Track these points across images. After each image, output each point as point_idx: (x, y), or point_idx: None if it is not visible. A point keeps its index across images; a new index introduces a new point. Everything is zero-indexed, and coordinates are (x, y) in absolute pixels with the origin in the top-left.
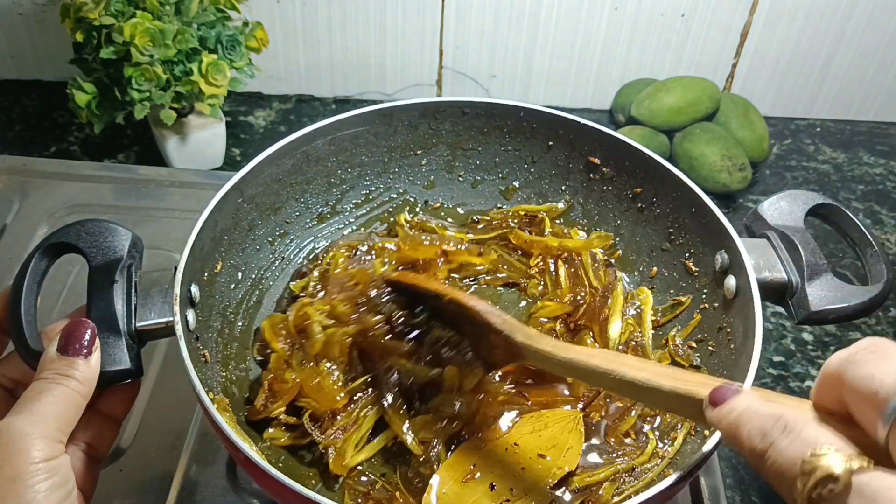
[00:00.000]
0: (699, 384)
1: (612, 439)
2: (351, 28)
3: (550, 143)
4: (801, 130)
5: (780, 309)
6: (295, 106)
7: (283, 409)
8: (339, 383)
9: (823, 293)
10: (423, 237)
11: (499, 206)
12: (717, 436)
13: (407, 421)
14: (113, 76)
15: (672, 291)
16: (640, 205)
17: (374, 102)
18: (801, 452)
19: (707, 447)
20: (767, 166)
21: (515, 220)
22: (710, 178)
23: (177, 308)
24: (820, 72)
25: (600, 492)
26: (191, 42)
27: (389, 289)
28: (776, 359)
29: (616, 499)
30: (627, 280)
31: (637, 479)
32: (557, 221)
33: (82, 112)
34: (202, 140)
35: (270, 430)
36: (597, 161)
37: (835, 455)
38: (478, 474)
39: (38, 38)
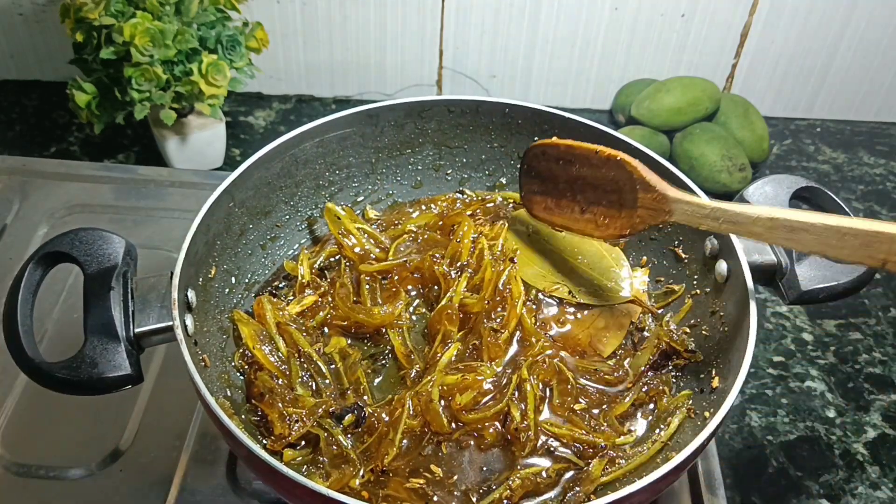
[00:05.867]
0: (858, 221)
1: (605, 422)
2: (351, 28)
3: (536, 138)
4: (801, 130)
5: (780, 309)
6: (295, 106)
7: (307, 429)
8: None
9: (813, 273)
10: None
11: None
12: (715, 420)
13: None
14: (113, 76)
15: (663, 279)
16: None
17: (375, 103)
18: None
19: (706, 431)
20: (767, 166)
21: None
22: (710, 179)
23: (176, 313)
24: (820, 72)
25: (590, 468)
26: (191, 42)
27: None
28: (776, 359)
29: (604, 478)
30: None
31: (628, 459)
32: None
33: (82, 112)
34: (202, 140)
35: (289, 452)
36: None
37: None
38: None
39: (38, 38)
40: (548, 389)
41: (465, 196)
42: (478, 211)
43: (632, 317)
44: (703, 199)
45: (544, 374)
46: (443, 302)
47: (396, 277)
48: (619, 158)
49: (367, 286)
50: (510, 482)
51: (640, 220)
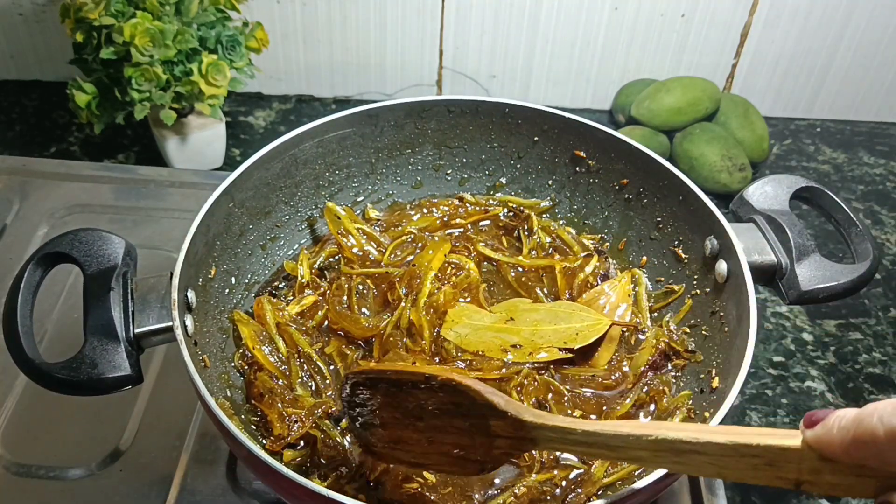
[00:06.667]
0: (757, 434)
1: None
2: (351, 28)
3: (536, 138)
4: (801, 130)
5: (780, 309)
6: (295, 106)
7: (307, 429)
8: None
9: (812, 273)
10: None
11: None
12: (715, 420)
13: None
14: (113, 76)
15: (662, 279)
16: (626, 196)
17: (375, 103)
18: None
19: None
20: (767, 166)
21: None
22: (710, 179)
23: (175, 313)
24: (820, 72)
25: (592, 469)
26: (191, 42)
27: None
28: (776, 359)
29: (606, 479)
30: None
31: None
32: (545, 216)
33: (82, 112)
34: (202, 140)
35: (289, 452)
36: (582, 154)
37: None
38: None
39: (38, 38)
40: (545, 406)
41: (466, 203)
42: (470, 227)
43: (621, 327)
44: (571, 422)
45: (535, 393)
46: (388, 330)
47: (384, 285)
48: (454, 384)
49: (357, 293)
50: (515, 490)
51: (500, 451)
